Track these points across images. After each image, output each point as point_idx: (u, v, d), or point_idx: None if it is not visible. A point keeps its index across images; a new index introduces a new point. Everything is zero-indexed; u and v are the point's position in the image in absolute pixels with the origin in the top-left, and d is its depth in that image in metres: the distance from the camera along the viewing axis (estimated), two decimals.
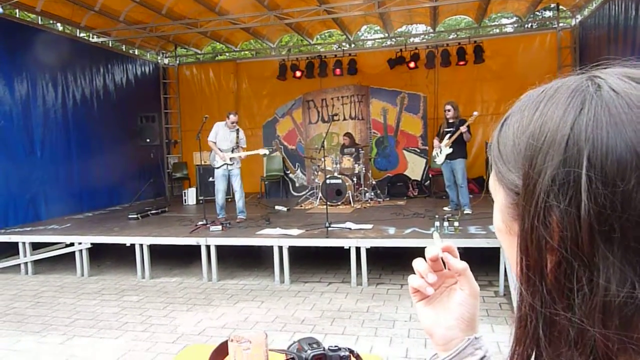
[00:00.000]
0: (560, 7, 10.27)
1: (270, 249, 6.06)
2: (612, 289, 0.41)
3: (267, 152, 8.27)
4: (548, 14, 12.83)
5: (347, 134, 10.02)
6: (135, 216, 8.10)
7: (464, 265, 0.67)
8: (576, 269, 0.43)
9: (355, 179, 9.11)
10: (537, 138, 0.46)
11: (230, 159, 7.48)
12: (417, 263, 0.68)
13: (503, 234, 0.54)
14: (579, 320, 0.43)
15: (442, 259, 0.68)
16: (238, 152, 7.57)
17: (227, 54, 12.73)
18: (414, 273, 0.69)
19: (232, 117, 7.58)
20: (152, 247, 6.50)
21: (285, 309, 5.11)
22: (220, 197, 7.59)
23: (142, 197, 10.75)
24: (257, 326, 4.67)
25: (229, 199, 8.29)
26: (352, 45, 12.73)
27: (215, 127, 7.60)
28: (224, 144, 7.53)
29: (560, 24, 10.40)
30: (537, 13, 13.40)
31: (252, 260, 6.80)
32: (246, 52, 13.07)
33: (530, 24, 12.44)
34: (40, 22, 9.00)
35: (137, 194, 10.64)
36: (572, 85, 0.47)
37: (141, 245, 6.43)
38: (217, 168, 7.54)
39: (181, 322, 4.83)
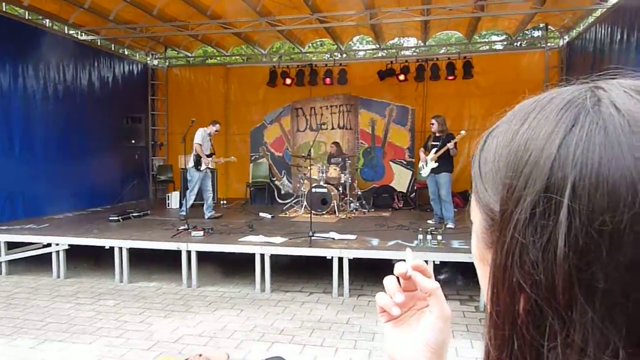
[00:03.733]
0: (549, 27, 10.44)
1: (252, 256, 5.99)
2: (590, 353, 0.34)
3: (236, 159, 9.44)
4: (537, 33, 13.02)
5: (335, 143, 10.01)
6: (116, 218, 7.97)
7: (434, 285, 0.58)
8: (549, 322, 0.36)
9: (341, 189, 9.09)
10: (520, 156, 0.38)
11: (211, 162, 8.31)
12: (387, 280, 0.61)
13: (477, 261, 0.47)
14: None
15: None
16: (213, 158, 8.47)
17: (217, 58, 12.69)
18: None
19: (218, 127, 8.54)
20: (131, 251, 6.38)
21: (264, 318, 5.04)
22: (209, 196, 8.45)
23: (125, 199, 10.59)
24: (234, 335, 4.59)
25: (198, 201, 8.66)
26: (344, 55, 12.78)
27: (202, 132, 8.19)
28: (206, 150, 8.25)
29: (549, 44, 10.56)
30: (527, 32, 13.62)
31: (234, 267, 6.71)
32: (237, 57, 13.01)
33: (519, 43, 12.60)
34: (27, 17, 8.87)
35: (120, 196, 10.49)
36: (568, 97, 0.39)
37: (120, 248, 6.31)
38: (201, 170, 8.12)
39: (157, 328, 4.73)
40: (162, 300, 5.61)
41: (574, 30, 9.96)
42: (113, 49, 11.14)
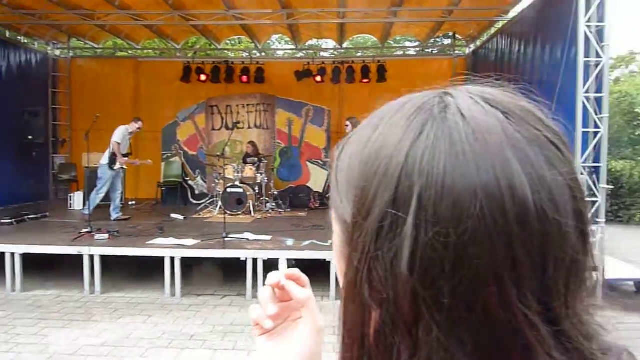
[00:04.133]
0: (457, 36, 11.04)
1: (162, 260, 5.73)
2: None
3: (152, 162, 8.89)
4: (448, 41, 13.72)
5: (251, 143, 9.87)
6: (10, 221, 7.29)
7: (305, 295, 0.55)
8: (397, 342, 0.34)
9: (257, 189, 8.98)
10: (371, 165, 0.36)
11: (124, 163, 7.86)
12: (261, 292, 0.58)
13: (339, 274, 0.44)
14: None
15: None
16: (129, 158, 8.05)
17: (128, 51, 12.03)
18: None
19: (141, 124, 8.14)
20: (26, 257, 5.85)
21: (174, 324, 4.84)
22: (118, 196, 8.04)
23: (21, 199, 9.70)
24: (140, 343, 4.36)
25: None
26: (263, 54, 12.66)
27: (122, 130, 7.84)
28: (124, 149, 7.86)
29: (457, 52, 11.16)
30: (437, 40, 14.31)
31: (142, 272, 6.38)
32: (149, 51, 12.44)
33: (431, 50, 13.19)
34: None
35: (15, 197, 9.58)
36: (419, 103, 0.38)
37: (12, 254, 5.76)
38: (114, 170, 7.76)
39: (54, 340, 4.37)
40: (60, 310, 5.20)
41: (479, 40, 10.62)
42: (8, 36, 10.18)
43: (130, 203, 9.75)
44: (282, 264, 0.60)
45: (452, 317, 0.32)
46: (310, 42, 14.42)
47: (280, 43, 16.99)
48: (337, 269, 0.45)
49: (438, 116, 0.36)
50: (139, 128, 8.13)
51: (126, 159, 7.92)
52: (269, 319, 0.56)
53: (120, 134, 7.74)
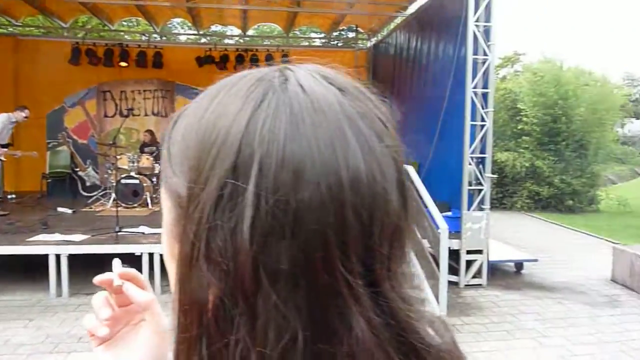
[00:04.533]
0: (359, 29, 11.30)
1: (45, 257, 5.25)
2: (270, 339, 0.33)
3: (37, 154, 8.07)
4: (352, 34, 14.03)
5: (149, 131, 9.37)
6: None
7: (148, 298, 0.52)
8: (236, 315, 0.34)
9: (155, 180, 8.55)
10: (209, 134, 0.36)
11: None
12: (95, 298, 0.53)
13: (169, 260, 0.41)
14: None
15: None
16: (9, 149, 7.35)
17: (6, 28, 10.82)
18: None
19: (27, 113, 7.38)
20: None
21: (59, 327, 4.47)
22: None
23: None
24: (20, 350, 3.98)
25: None
26: (164, 38, 12.05)
27: (4, 118, 7.14)
28: (4, 139, 7.23)
29: (359, 44, 11.43)
30: (342, 33, 14.57)
31: (24, 271, 5.80)
32: (31, 29, 11.29)
33: (336, 42, 13.40)
34: None
35: None
36: (259, 75, 0.39)
37: None
38: None
39: None
40: None
41: (380, 34, 10.96)
42: None
43: (9, 197, 8.79)
44: (116, 264, 0.54)
45: (290, 284, 0.33)
46: (215, 29, 14.02)
47: (182, 28, 16.35)
48: (166, 252, 0.42)
49: (279, 87, 0.37)
50: (25, 117, 7.41)
51: (5, 149, 7.19)
52: (103, 325, 0.52)
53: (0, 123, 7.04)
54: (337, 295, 0.34)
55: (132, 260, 5.39)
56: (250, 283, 0.33)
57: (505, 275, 6.62)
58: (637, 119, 32.38)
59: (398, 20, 9.70)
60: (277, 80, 0.38)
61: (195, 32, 11.60)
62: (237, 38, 11.87)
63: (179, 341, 0.37)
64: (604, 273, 6.47)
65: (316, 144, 0.34)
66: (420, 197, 5.30)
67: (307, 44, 14.48)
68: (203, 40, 11.66)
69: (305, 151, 0.34)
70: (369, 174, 0.35)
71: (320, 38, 13.86)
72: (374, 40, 11.26)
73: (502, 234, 8.04)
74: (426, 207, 5.19)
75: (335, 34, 12.76)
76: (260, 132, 0.34)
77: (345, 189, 0.34)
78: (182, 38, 14.92)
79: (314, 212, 0.33)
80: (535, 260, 6.79)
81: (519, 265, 6.79)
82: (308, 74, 0.38)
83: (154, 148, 8.88)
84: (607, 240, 8.55)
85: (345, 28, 13.93)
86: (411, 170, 5.72)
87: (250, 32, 12.00)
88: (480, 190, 6.17)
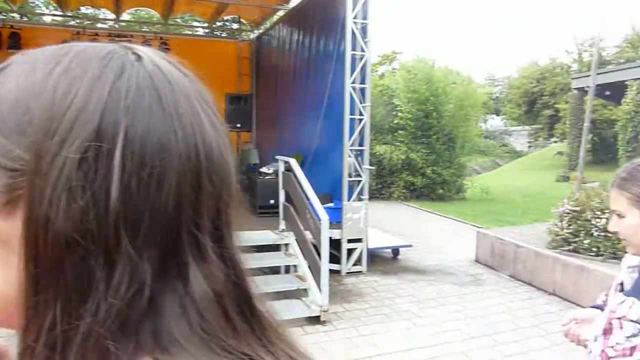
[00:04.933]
0: (242, 20, 11.11)
1: None
2: (122, 290, 0.35)
3: None
4: (236, 26, 13.75)
5: None
6: None
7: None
8: (97, 273, 0.35)
9: None
10: (63, 98, 0.37)
11: None
12: None
13: None
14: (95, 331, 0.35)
15: None
16: None
17: None
18: None
19: None
20: None
21: None
22: None
23: None
24: None
25: None
26: (25, 18, 10.79)
27: None
28: None
29: (243, 36, 11.25)
30: (227, 23, 14.20)
31: None
32: None
33: (220, 33, 13.04)
34: None
35: None
36: (106, 49, 0.41)
37: None
38: None
39: None
40: None
41: (262, 27, 10.88)
42: None
43: None
44: None
45: (148, 238, 0.37)
46: (85, 11, 12.91)
47: (47, 8, 14.84)
48: None
49: (136, 62, 0.39)
50: None
51: None
52: None
53: None
54: (188, 249, 0.38)
55: None
56: (112, 241, 0.36)
57: (384, 261, 7.00)
58: (497, 115, 36.18)
59: (281, 13, 9.70)
60: (131, 56, 0.40)
61: (61, 13, 10.57)
62: (111, 22, 11.04)
63: (28, 306, 0.36)
64: (469, 255, 7.13)
65: (178, 118, 0.38)
66: (303, 190, 5.38)
67: (190, 32, 13.93)
68: (72, 23, 10.67)
69: (168, 123, 0.38)
70: (218, 147, 0.41)
71: (203, 27, 13.41)
72: (257, 32, 11.15)
73: (381, 223, 8.48)
74: (308, 199, 5.28)
75: (219, 24, 12.40)
76: (125, 100, 0.37)
77: (202, 158, 0.39)
78: (47, 19, 13.52)
79: (175, 176, 0.37)
80: (410, 246, 7.27)
81: (395, 251, 7.22)
82: (156, 55, 0.42)
83: None
84: (472, 225, 9.41)
85: (230, 19, 13.64)
86: (294, 163, 5.77)
87: (126, 17, 11.22)
88: (359, 182, 6.43)
